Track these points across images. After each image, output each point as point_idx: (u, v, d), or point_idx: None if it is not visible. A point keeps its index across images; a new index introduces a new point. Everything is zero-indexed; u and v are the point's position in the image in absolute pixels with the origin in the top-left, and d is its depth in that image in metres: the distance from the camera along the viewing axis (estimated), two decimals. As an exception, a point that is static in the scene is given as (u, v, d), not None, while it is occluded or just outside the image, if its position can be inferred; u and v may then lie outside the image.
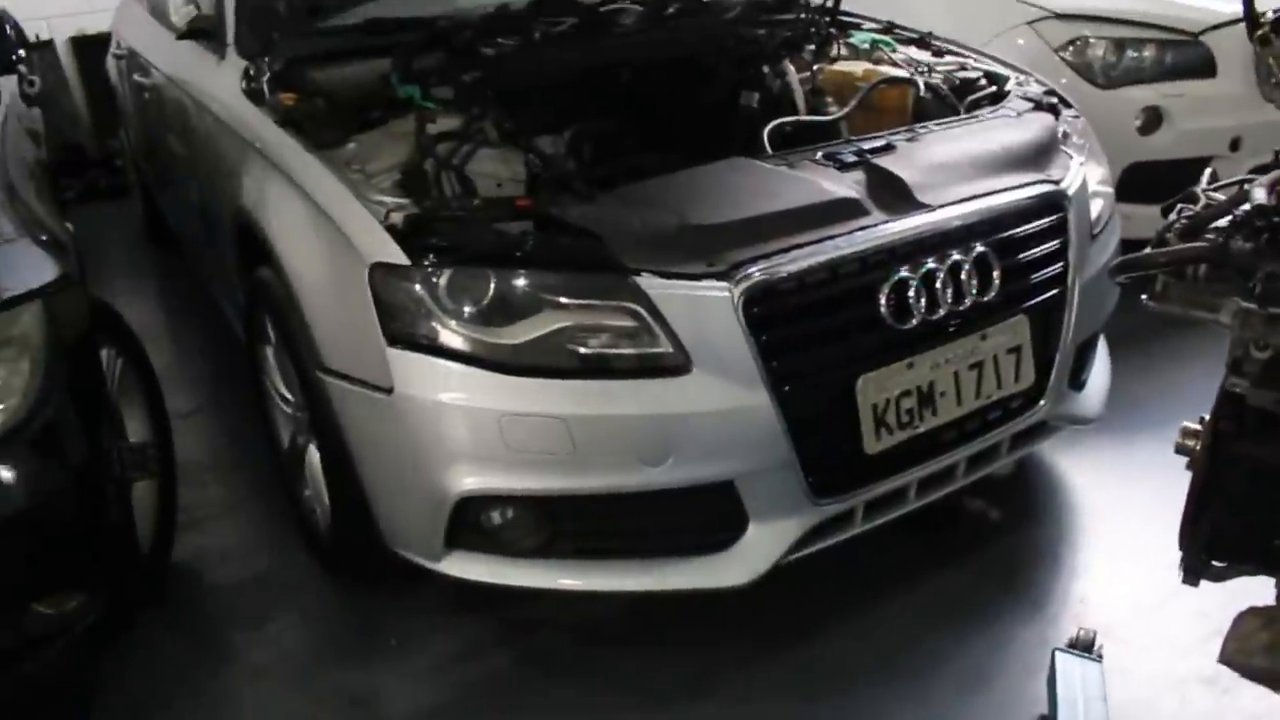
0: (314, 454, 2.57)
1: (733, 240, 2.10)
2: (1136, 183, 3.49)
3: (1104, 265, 2.59)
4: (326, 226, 2.25)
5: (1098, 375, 2.76)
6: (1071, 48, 3.80)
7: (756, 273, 2.06)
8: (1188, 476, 2.69)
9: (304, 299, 2.29)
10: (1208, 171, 1.75)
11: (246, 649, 2.49)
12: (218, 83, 2.98)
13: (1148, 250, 1.58)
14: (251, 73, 2.80)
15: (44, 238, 2.18)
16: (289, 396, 2.65)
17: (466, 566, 2.21)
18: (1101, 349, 2.82)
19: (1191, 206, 1.63)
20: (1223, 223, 1.51)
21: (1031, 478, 2.91)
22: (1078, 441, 2.92)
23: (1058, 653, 2.16)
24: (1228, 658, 1.66)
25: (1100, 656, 2.16)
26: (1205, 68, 3.75)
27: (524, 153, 2.51)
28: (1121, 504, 2.79)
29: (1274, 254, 1.48)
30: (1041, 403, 2.46)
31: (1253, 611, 1.66)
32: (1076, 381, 2.63)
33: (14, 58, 3.10)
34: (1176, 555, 2.51)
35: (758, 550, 2.17)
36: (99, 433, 2.19)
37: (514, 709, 2.28)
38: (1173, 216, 1.61)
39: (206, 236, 3.27)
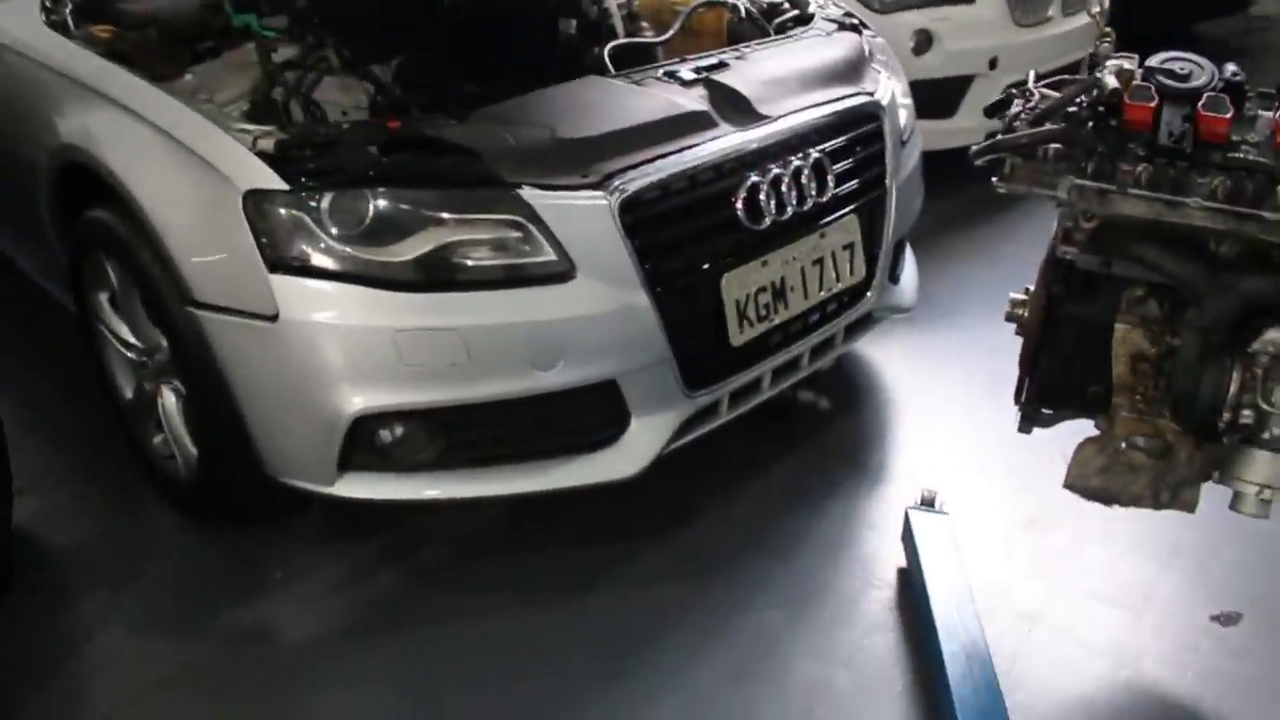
0: (169, 398, 2.51)
1: (602, 152, 2.22)
2: (916, 100, 3.80)
3: (913, 169, 2.87)
4: (186, 158, 2.19)
5: (908, 271, 3.05)
6: (849, -25, 4.09)
7: (629, 181, 2.19)
8: (984, 356, 3.06)
9: (165, 234, 2.22)
10: (1032, 72, 1.99)
11: (122, 605, 2.40)
12: (9, 18, 2.79)
13: (1000, 135, 1.80)
14: (49, 4, 2.65)
15: None
16: (134, 342, 2.56)
17: (361, 487, 2.23)
18: (907, 249, 3.11)
19: (1026, 100, 1.87)
20: (1072, 109, 1.75)
21: (850, 370, 3.19)
22: (886, 334, 3.20)
23: (910, 511, 2.42)
24: (1071, 482, 1.94)
25: (945, 511, 2.45)
26: (965, -6, 4.14)
27: (364, 81, 2.52)
28: (930, 383, 3.14)
29: (1104, 138, 1.74)
30: (869, 294, 2.71)
31: (1089, 441, 1.94)
32: (893, 275, 2.91)
33: None
34: (985, 423, 2.87)
35: (641, 443, 2.31)
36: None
37: (408, 623, 2.32)
38: (1016, 109, 1.84)
39: (2, 183, 3.05)
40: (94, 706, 2.18)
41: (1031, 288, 2.04)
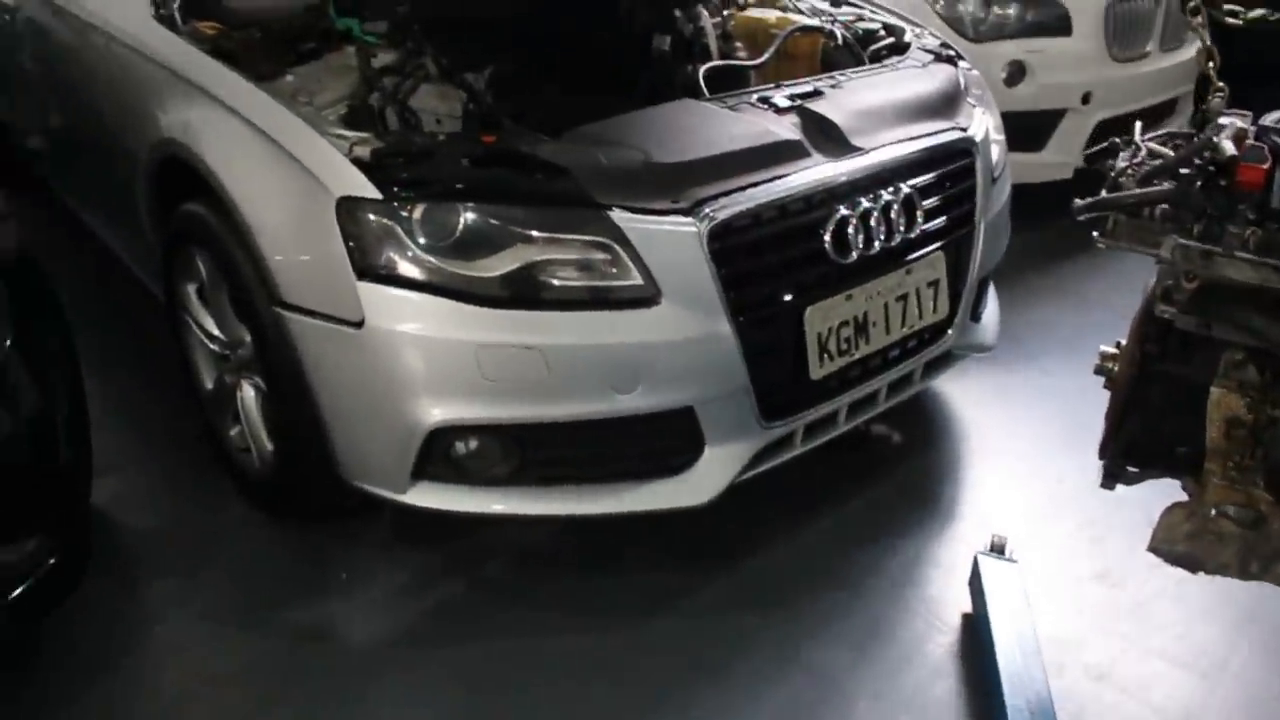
0: (248, 392, 2.54)
1: (695, 178, 2.21)
2: (1005, 132, 3.75)
3: (1002, 206, 2.82)
4: (283, 160, 2.22)
5: (990, 309, 3.01)
6: (943, 2, 4.05)
7: (719, 209, 2.18)
8: (1064, 402, 2.99)
9: (258, 233, 2.26)
10: (1138, 125, 1.94)
11: (190, 595, 2.44)
12: (118, 8, 2.85)
13: (1104, 193, 1.76)
14: (159, -1, 2.70)
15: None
16: (218, 335, 2.61)
17: (432, 497, 2.25)
18: (990, 287, 3.06)
19: (1132, 154, 1.82)
20: (1185, 170, 1.70)
21: (926, 406, 3.14)
22: (966, 372, 3.15)
23: (979, 556, 2.38)
24: (1156, 545, 1.88)
25: (1015, 559, 2.40)
26: (1062, 26, 4.06)
27: (459, 89, 2.54)
28: (1006, 426, 3.07)
29: (1213, 199, 1.69)
30: (950, 332, 2.67)
31: (1177, 505, 1.89)
32: (975, 314, 2.86)
33: None
34: (1060, 471, 2.81)
35: (714, 472, 2.30)
36: (47, 373, 2.12)
37: (470, 635, 2.33)
38: (1122, 163, 1.79)
39: (101, 169, 3.12)
40: (156, 695, 2.22)
41: (1122, 341, 1.99)
